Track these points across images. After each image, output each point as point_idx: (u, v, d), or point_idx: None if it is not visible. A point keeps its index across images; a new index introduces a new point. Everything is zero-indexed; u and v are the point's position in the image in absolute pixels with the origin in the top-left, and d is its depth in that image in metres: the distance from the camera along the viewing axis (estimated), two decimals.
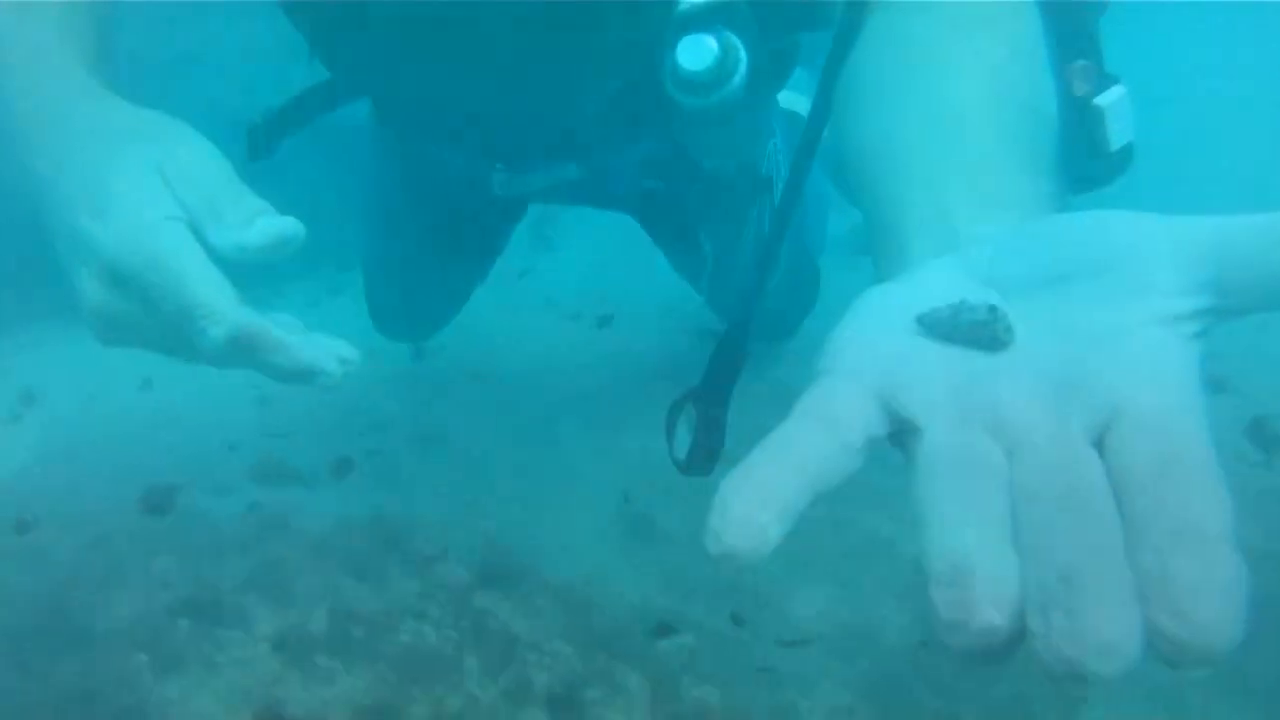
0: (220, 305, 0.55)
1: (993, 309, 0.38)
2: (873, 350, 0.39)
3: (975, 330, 0.38)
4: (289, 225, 0.57)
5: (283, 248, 0.57)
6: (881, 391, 0.37)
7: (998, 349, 0.37)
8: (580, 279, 2.09)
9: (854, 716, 0.96)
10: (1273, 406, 1.50)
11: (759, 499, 0.31)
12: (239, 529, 1.30)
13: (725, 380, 0.68)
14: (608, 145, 1.01)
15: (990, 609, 0.28)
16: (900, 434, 0.37)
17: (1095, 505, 0.30)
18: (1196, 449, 0.31)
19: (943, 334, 0.39)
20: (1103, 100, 0.94)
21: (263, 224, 0.56)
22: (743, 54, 0.70)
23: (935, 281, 0.42)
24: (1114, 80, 0.94)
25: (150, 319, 0.57)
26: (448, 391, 1.70)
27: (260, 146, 0.93)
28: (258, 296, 0.60)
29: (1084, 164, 0.94)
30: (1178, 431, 0.31)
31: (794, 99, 1.51)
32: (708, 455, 0.69)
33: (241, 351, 0.56)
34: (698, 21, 0.70)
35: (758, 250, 0.68)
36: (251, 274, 0.57)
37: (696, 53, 0.69)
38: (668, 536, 1.25)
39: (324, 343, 0.61)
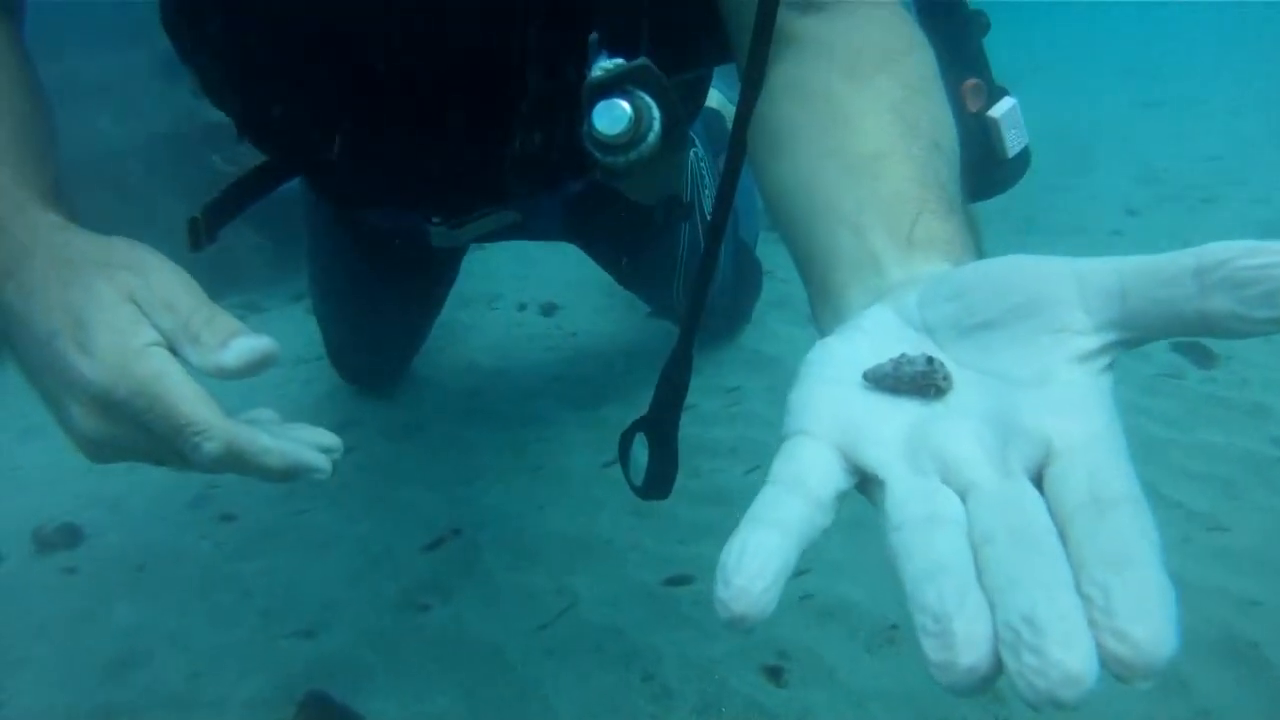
0: (210, 421, 0.57)
1: (930, 360, 0.42)
2: (828, 409, 0.43)
3: (917, 380, 0.42)
4: (263, 344, 0.59)
5: (259, 367, 0.59)
6: (842, 447, 0.41)
7: (938, 396, 0.41)
8: (516, 272, 2.08)
9: None
10: None
11: (755, 570, 0.35)
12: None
13: (672, 408, 0.72)
14: (537, 193, 1.04)
15: (970, 652, 0.31)
16: (863, 484, 0.40)
17: (1041, 541, 0.33)
18: (1119, 477, 0.34)
19: (888, 387, 0.42)
20: (996, 112, 1.03)
21: (238, 345, 0.58)
22: (656, 112, 0.72)
23: (874, 331, 0.46)
24: (1004, 92, 1.03)
25: (142, 439, 0.59)
26: (412, 388, 1.69)
27: (201, 237, 0.94)
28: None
29: (988, 173, 1.03)
30: (1102, 463, 0.35)
31: (711, 95, 1.58)
32: (664, 481, 0.75)
33: (234, 460, 0.58)
34: (611, 86, 0.72)
35: (689, 289, 0.72)
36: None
37: (611, 117, 0.71)
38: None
39: (305, 435, 0.63)
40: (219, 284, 2.08)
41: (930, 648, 0.32)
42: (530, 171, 0.94)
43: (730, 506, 1.23)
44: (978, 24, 1.04)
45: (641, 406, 0.73)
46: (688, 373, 0.74)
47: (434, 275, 1.50)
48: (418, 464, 1.45)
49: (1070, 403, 0.38)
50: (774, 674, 1.00)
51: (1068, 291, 0.39)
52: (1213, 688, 0.94)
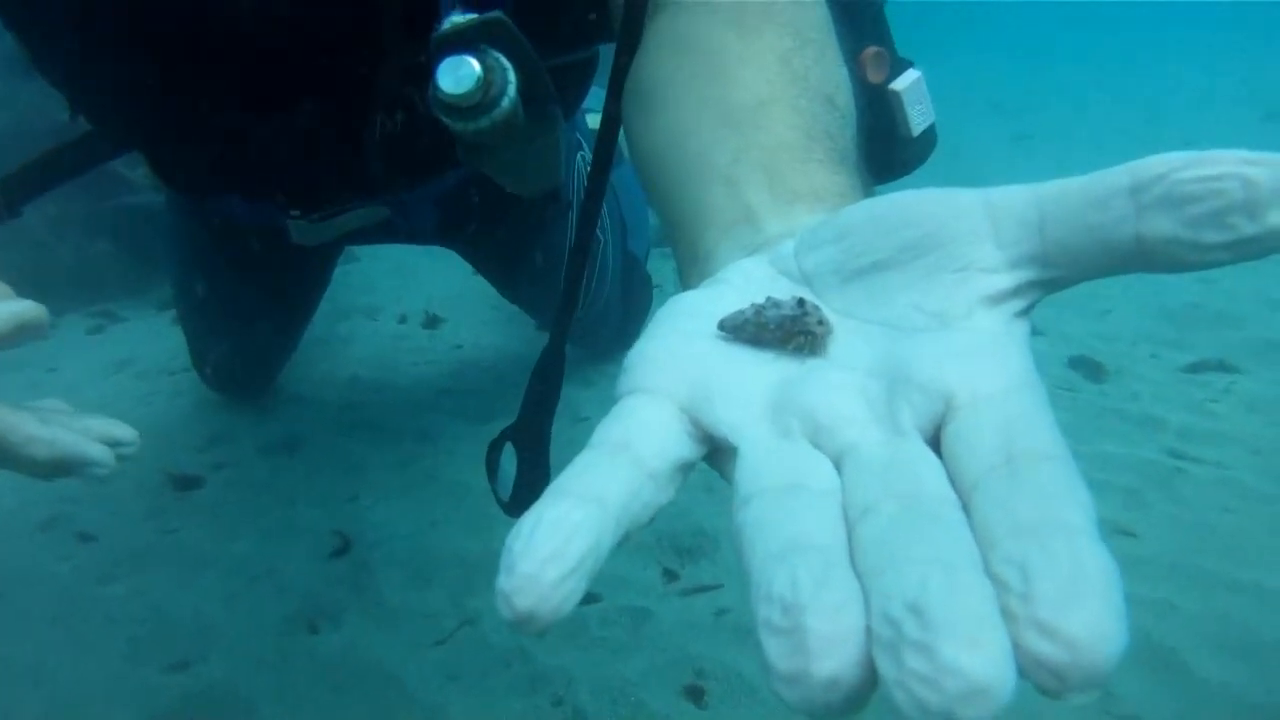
0: None
1: (801, 302, 0.34)
2: (673, 364, 0.34)
3: (785, 327, 0.34)
4: (27, 309, 0.51)
5: (23, 334, 0.51)
6: (688, 409, 0.33)
7: (815, 347, 0.34)
8: (394, 284, 1.98)
9: None
10: (1083, 343, 1.65)
11: (550, 552, 0.26)
12: None
13: (542, 415, 0.65)
14: (403, 183, 0.95)
15: (829, 656, 0.23)
16: (716, 455, 0.32)
17: (937, 511, 0.26)
18: (1041, 433, 0.27)
19: (749, 336, 0.35)
20: (899, 85, 0.96)
21: None
22: (511, 74, 0.65)
23: (741, 282, 0.38)
24: (908, 64, 0.98)
25: None
26: (287, 401, 1.58)
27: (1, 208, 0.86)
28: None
29: (889, 152, 0.96)
30: (1017, 416, 0.28)
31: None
32: (533, 493, 0.67)
33: None
34: (459, 42, 0.64)
35: (564, 287, 0.66)
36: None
37: (456, 75, 0.63)
38: None
39: (95, 427, 0.54)
40: (77, 294, 1.96)
41: (774, 652, 0.23)
42: (394, 157, 0.86)
43: None
44: None
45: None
46: (559, 376, 0.66)
47: (300, 277, 1.38)
48: (297, 479, 1.35)
49: (977, 349, 0.31)
50: (694, 694, 0.95)
51: (975, 223, 0.33)
52: (1136, 694, 0.93)
